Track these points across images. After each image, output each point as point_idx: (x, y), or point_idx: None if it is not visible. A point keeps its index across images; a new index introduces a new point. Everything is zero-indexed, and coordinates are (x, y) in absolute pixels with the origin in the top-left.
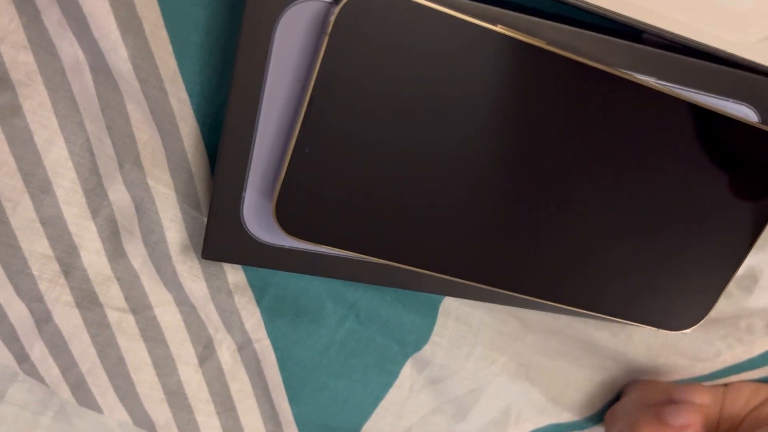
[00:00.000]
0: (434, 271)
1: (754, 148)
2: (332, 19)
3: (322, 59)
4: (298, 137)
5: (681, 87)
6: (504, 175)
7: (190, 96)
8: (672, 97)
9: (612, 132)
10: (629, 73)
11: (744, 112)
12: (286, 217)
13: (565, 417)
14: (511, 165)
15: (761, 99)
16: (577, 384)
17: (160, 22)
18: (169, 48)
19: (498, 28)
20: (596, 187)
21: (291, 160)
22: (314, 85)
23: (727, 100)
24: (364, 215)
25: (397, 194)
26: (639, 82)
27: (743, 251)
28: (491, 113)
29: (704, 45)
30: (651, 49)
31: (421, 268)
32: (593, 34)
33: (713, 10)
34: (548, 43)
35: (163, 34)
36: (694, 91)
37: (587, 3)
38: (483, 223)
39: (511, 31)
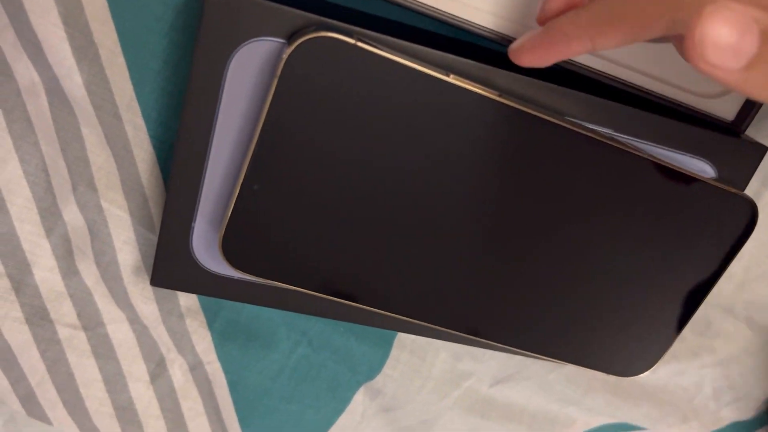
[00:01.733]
0: (379, 309)
1: (708, 202)
2: (282, 61)
3: (271, 100)
4: (246, 174)
5: (639, 140)
6: (452, 219)
7: (147, 122)
8: (625, 150)
9: (564, 183)
10: (584, 125)
11: (701, 167)
12: (233, 250)
13: None
14: (459, 210)
15: (718, 154)
16: (531, 422)
17: (118, 49)
18: (126, 74)
19: (450, 78)
20: (548, 235)
21: (239, 196)
22: (263, 125)
23: (685, 155)
24: (310, 253)
25: (343, 234)
26: (593, 135)
27: (697, 300)
28: (442, 160)
29: (663, 96)
30: (610, 102)
31: (366, 306)
32: (551, 85)
33: (673, 63)
34: (500, 95)
35: (120, 60)
36: (653, 144)
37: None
38: (432, 265)
39: (463, 81)
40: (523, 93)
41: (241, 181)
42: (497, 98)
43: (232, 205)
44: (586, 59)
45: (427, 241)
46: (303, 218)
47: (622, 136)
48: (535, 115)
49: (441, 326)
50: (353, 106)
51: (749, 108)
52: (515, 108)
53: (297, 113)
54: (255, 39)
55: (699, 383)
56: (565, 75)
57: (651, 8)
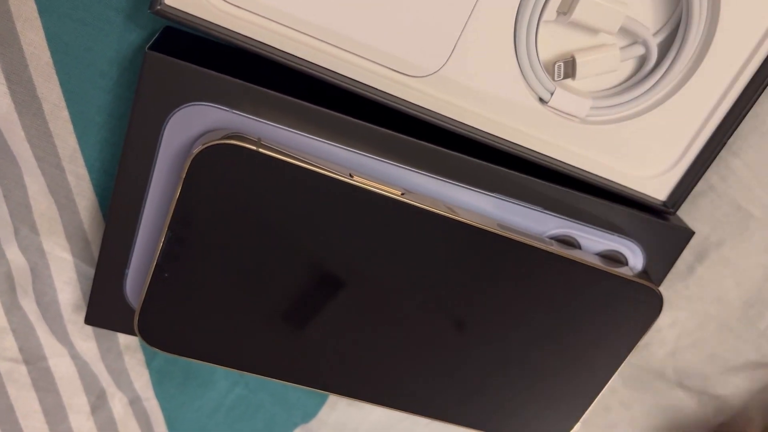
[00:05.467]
0: (295, 383)
1: (619, 290)
2: (189, 161)
3: (179, 197)
4: (156, 263)
5: (569, 219)
6: (362, 307)
7: (90, 172)
8: (530, 246)
9: (474, 274)
10: (487, 224)
11: (630, 247)
12: (148, 331)
13: None
14: (370, 299)
15: (647, 235)
16: None
17: (62, 103)
18: (70, 127)
19: (353, 180)
20: (463, 321)
21: (151, 282)
22: (171, 218)
23: (615, 235)
24: (221, 334)
25: (251, 316)
26: (497, 232)
27: (604, 380)
28: (344, 250)
29: (595, 175)
30: (540, 181)
31: (282, 380)
32: (479, 162)
33: (607, 144)
34: (403, 194)
35: (64, 114)
36: (582, 224)
37: (469, 128)
38: (344, 343)
39: (365, 182)
40: (427, 189)
41: (152, 269)
42: (399, 198)
43: (145, 290)
44: (515, 136)
45: (339, 328)
46: (213, 303)
47: (550, 213)
48: (438, 214)
49: (359, 399)
50: (258, 203)
51: (681, 190)
52: (417, 207)
53: (204, 208)
54: (192, 103)
55: None
56: (494, 153)
57: None
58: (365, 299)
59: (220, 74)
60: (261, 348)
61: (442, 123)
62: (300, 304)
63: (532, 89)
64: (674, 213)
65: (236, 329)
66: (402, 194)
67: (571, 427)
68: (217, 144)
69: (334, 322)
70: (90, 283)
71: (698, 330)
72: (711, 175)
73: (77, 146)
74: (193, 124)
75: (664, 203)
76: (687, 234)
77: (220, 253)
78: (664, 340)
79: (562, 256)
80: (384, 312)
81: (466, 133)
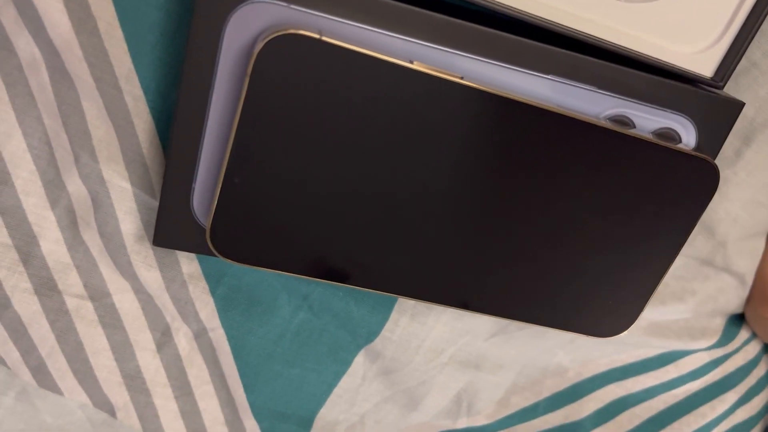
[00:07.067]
0: (368, 288)
1: (674, 166)
2: (252, 58)
3: (245, 96)
4: (227, 169)
5: (621, 96)
6: (431, 198)
7: (146, 93)
8: (589, 123)
9: (534, 157)
10: (546, 103)
11: (682, 123)
12: (222, 242)
13: (516, 402)
14: (436, 189)
15: (698, 110)
16: (521, 369)
17: (116, 22)
18: (125, 47)
19: (414, 66)
20: (524, 208)
21: (222, 189)
22: (239, 121)
23: (667, 111)
24: (297, 239)
25: (327, 219)
26: (556, 111)
27: (669, 260)
28: (414, 141)
29: (641, 53)
30: (592, 59)
31: (356, 286)
32: (532, 43)
33: (652, 19)
34: (462, 77)
35: (119, 34)
36: (635, 101)
37: (519, 11)
38: (415, 243)
39: (426, 68)
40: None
41: (222, 175)
42: (459, 81)
43: (216, 199)
44: (564, 18)
45: (408, 220)
46: (286, 206)
47: (604, 92)
48: (499, 95)
49: (430, 301)
50: (324, 95)
51: (727, 64)
52: (478, 89)
53: (271, 106)
54: (249, 2)
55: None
56: (543, 35)
57: None
58: (431, 191)
59: None
60: (337, 254)
61: (492, 5)
62: (368, 199)
63: None
64: (722, 88)
65: (309, 234)
66: (462, 78)
67: (639, 313)
68: (280, 35)
69: (407, 219)
70: (150, 211)
71: (749, 218)
72: (753, 51)
73: (132, 66)
74: (251, 23)
75: (712, 78)
76: (737, 106)
77: (289, 153)
78: (712, 230)
79: (621, 134)
80: (448, 204)
81: (515, 14)
